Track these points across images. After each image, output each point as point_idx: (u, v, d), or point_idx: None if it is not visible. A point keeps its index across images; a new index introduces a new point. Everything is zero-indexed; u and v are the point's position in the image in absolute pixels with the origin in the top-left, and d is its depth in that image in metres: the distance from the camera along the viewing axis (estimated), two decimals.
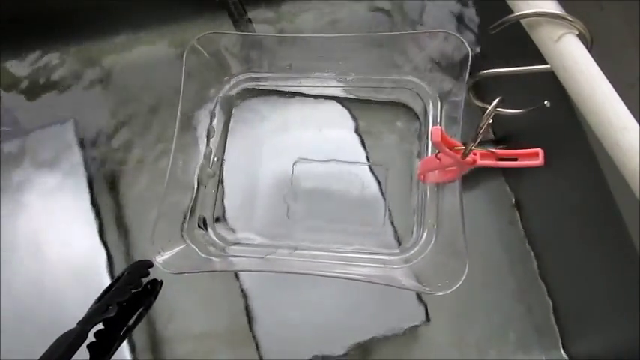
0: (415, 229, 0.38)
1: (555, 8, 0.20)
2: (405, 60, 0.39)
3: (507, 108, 0.33)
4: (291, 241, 0.38)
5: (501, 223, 0.41)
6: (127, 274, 0.30)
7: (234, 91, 0.41)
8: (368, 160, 0.41)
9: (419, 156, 0.40)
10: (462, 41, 0.33)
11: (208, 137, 0.39)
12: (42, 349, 0.26)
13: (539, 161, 0.34)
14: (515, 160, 0.34)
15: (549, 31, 0.20)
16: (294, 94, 0.42)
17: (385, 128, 0.41)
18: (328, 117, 0.42)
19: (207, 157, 0.39)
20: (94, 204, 0.41)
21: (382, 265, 0.36)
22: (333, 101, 0.42)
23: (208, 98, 0.40)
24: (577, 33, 0.20)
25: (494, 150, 0.32)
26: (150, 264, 0.31)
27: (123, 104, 0.43)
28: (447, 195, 0.35)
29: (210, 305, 0.39)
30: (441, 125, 0.38)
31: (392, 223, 0.39)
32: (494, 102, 0.25)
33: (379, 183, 0.40)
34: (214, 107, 0.40)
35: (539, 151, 0.34)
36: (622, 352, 0.34)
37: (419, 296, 0.39)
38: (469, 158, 0.30)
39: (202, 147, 0.39)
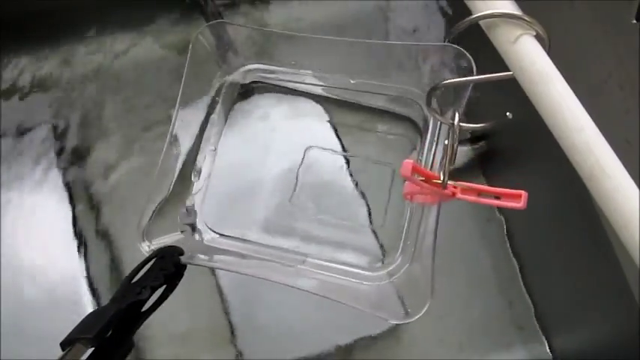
0: (397, 247, 0.38)
1: (512, 9, 0.20)
2: (408, 70, 0.39)
3: (480, 112, 0.32)
4: (284, 237, 0.39)
5: (480, 220, 0.41)
6: (159, 258, 0.30)
7: (235, 84, 0.41)
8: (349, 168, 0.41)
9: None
10: (465, 54, 0.33)
11: (205, 128, 0.40)
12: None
13: (520, 204, 0.33)
14: (498, 198, 0.33)
15: (506, 32, 0.20)
16: (295, 92, 0.42)
17: (384, 137, 0.41)
18: (330, 119, 0.42)
19: (203, 147, 0.39)
20: (74, 211, 0.41)
21: (356, 280, 0.36)
22: (336, 104, 0.42)
23: (209, 90, 0.40)
24: (534, 34, 0.20)
25: (475, 185, 0.31)
26: (181, 251, 0.32)
27: (100, 106, 0.43)
28: (430, 220, 0.34)
29: (191, 306, 0.39)
30: (437, 141, 0.37)
31: (373, 231, 0.39)
32: (456, 119, 0.25)
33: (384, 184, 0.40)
34: (214, 99, 0.40)
35: (523, 193, 0.32)
36: (604, 345, 0.34)
37: (399, 295, 0.39)
38: (448, 191, 0.30)
39: (198, 138, 0.39)
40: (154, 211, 0.35)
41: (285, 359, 0.38)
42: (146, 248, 0.33)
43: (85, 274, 0.39)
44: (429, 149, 0.38)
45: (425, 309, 0.30)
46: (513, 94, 0.26)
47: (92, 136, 0.42)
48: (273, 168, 0.40)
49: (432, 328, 0.39)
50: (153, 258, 0.30)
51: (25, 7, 0.42)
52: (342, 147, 0.41)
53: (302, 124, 0.42)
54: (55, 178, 0.41)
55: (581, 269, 0.35)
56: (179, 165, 0.37)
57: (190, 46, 0.36)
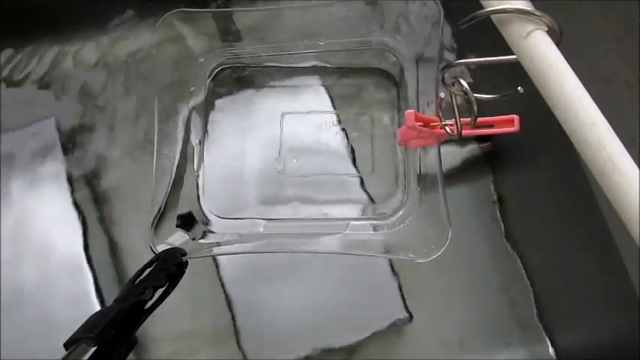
0: (400, 191, 0.38)
1: (524, 4, 0.20)
2: (378, 23, 0.40)
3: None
4: (282, 206, 0.40)
5: (484, 219, 0.41)
6: (161, 260, 0.31)
7: (208, 70, 0.42)
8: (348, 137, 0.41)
9: (399, 123, 0.40)
10: (434, 1, 0.34)
11: (190, 122, 0.39)
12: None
13: (514, 127, 0.36)
14: (492, 126, 0.35)
15: (518, 27, 0.20)
16: (266, 66, 0.43)
17: (364, 95, 0.42)
18: (306, 87, 0.42)
19: (192, 140, 0.39)
20: (76, 204, 0.41)
21: (372, 232, 0.37)
22: (308, 69, 0.43)
23: (184, 81, 0.40)
24: (546, 29, 0.20)
25: (469, 120, 0.32)
26: (183, 252, 0.32)
27: (105, 99, 0.43)
28: (429, 160, 0.35)
29: (194, 304, 0.39)
30: (418, 87, 0.38)
31: (365, 188, 0.39)
32: (464, 85, 0.25)
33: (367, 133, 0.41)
34: (191, 89, 0.40)
35: (515, 117, 0.35)
36: (607, 344, 0.34)
37: (401, 293, 0.39)
38: (447, 129, 0.31)
39: (184, 131, 0.39)
40: (157, 214, 0.35)
41: (287, 358, 0.37)
42: (159, 250, 0.33)
43: (88, 269, 0.39)
44: (413, 95, 0.38)
45: (447, 242, 0.30)
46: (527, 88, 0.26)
47: (97, 130, 0.42)
48: (258, 144, 0.41)
49: (433, 326, 0.39)
50: (156, 260, 0.31)
51: (23, 2, 0.42)
52: (320, 107, 0.42)
53: (277, 95, 0.42)
54: (60, 172, 0.41)
55: (584, 268, 0.35)
56: (174, 164, 0.37)
57: (154, 42, 0.36)
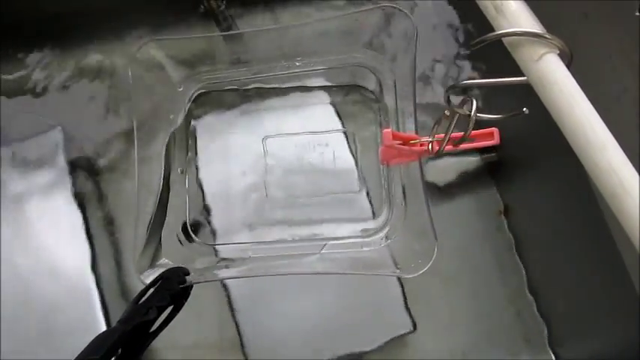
0: (386, 208, 0.38)
1: (536, 27, 0.20)
2: (355, 41, 0.39)
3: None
4: (271, 229, 0.39)
5: (489, 230, 0.41)
6: (165, 279, 0.31)
7: (188, 96, 0.42)
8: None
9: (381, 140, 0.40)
10: (407, 14, 0.34)
11: (170, 147, 0.39)
12: None
13: (494, 140, 0.36)
14: (473, 140, 0.35)
15: (530, 51, 0.20)
16: (244, 90, 0.42)
17: (347, 113, 0.42)
18: (287, 108, 0.42)
19: (174, 166, 0.39)
20: (83, 212, 0.41)
21: (362, 249, 0.37)
22: (291, 91, 0.42)
23: (164, 107, 0.40)
24: (558, 52, 0.20)
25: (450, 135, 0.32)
26: (186, 271, 0.32)
27: (111, 111, 0.43)
28: (413, 175, 0.35)
29: (199, 315, 0.39)
30: (397, 102, 0.38)
31: (351, 206, 0.40)
32: (473, 107, 0.25)
33: (350, 151, 0.41)
34: (170, 116, 0.40)
35: (494, 130, 0.35)
36: (612, 358, 0.34)
37: (406, 304, 0.39)
38: (427, 148, 0.31)
39: (165, 158, 0.39)
40: (143, 241, 0.35)
41: None
42: (144, 279, 0.33)
43: (94, 284, 0.39)
44: (392, 111, 0.39)
45: (434, 255, 0.31)
46: (530, 102, 0.27)
47: (105, 141, 0.42)
48: (243, 167, 0.41)
49: (437, 337, 0.39)
50: (159, 280, 0.31)
51: (45, 9, 0.42)
52: (303, 127, 0.42)
53: (259, 117, 0.42)
54: (66, 181, 0.41)
55: (590, 281, 0.35)
56: (158, 191, 0.37)
57: (130, 68, 0.36)
